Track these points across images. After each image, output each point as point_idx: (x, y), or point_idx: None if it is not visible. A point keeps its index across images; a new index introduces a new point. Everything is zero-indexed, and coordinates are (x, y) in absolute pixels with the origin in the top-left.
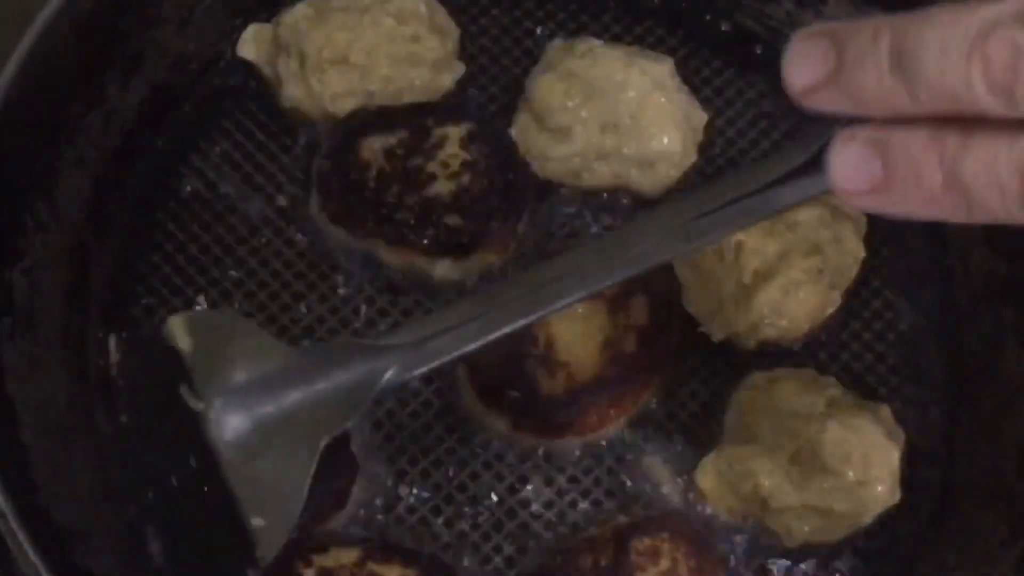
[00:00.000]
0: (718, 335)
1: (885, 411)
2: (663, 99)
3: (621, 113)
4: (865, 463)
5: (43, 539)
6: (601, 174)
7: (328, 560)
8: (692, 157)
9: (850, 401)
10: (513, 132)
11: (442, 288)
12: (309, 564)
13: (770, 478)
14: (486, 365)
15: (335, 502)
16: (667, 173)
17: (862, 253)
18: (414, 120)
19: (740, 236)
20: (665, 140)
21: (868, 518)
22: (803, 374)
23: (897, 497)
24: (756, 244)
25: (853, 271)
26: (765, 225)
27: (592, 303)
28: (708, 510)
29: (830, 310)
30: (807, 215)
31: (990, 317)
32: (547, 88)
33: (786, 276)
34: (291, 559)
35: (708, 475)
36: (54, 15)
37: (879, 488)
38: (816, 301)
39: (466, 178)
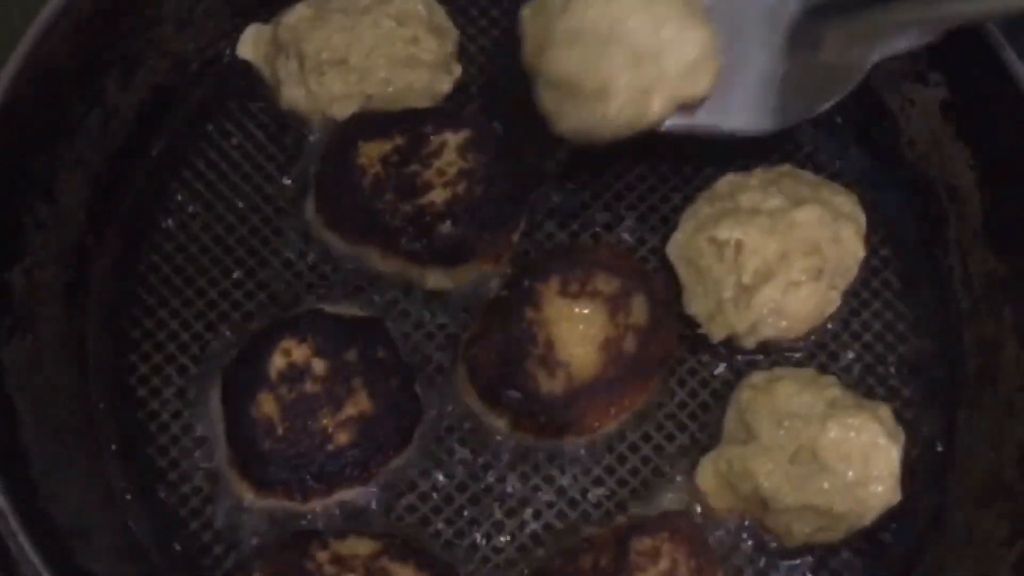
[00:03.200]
0: (717, 336)
1: (885, 411)
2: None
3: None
4: (865, 463)
5: (43, 539)
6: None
7: (344, 548)
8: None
9: (850, 401)
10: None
11: (436, 296)
12: (325, 547)
13: (770, 478)
14: (486, 364)
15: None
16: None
17: (862, 253)
18: (412, 126)
19: (740, 236)
20: (689, 48)
21: (868, 518)
22: (803, 374)
23: (898, 497)
24: (756, 244)
25: (853, 271)
26: (765, 224)
27: (592, 303)
28: (708, 510)
29: (830, 310)
30: (807, 215)
31: (990, 317)
32: (564, 59)
33: (786, 276)
34: (309, 540)
35: (708, 475)
36: (54, 15)
37: (879, 488)
38: (816, 301)
39: (462, 186)
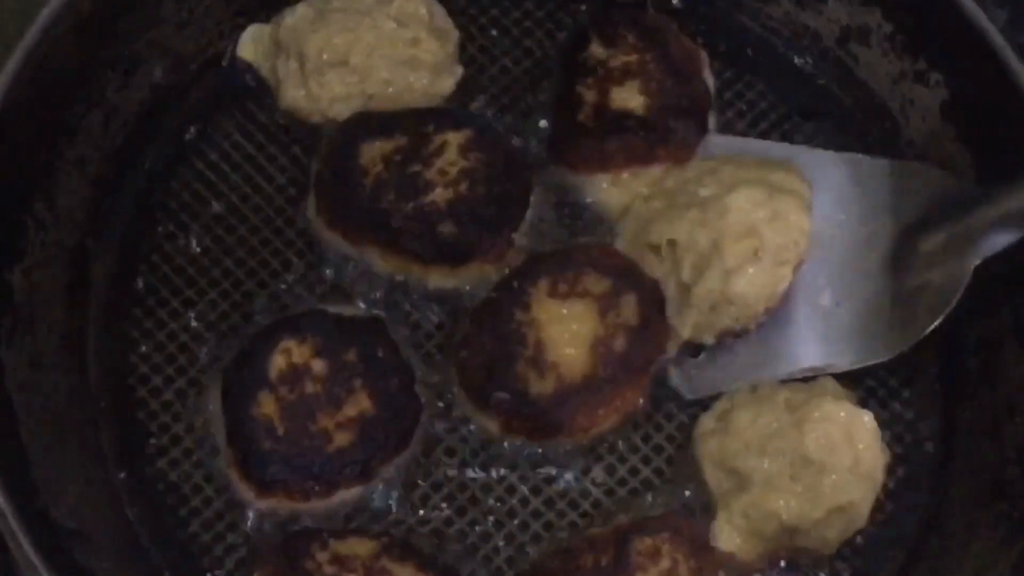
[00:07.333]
0: (672, 344)
1: (829, 383)
2: None
3: None
4: (850, 442)
5: (43, 539)
6: None
7: (344, 548)
8: None
9: (801, 395)
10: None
11: (437, 296)
12: (324, 548)
13: (788, 507)
14: (476, 365)
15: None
16: None
17: (807, 225)
18: (414, 125)
19: (670, 235)
20: None
21: (879, 487)
22: (743, 396)
23: (887, 455)
24: (688, 239)
25: (801, 244)
26: (696, 217)
27: (582, 303)
28: (739, 567)
29: (782, 286)
30: (737, 199)
31: (990, 317)
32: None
33: (719, 266)
34: (309, 540)
35: (729, 535)
36: (54, 15)
37: (870, 455)
38: (763, 281)
39: (463, 186)
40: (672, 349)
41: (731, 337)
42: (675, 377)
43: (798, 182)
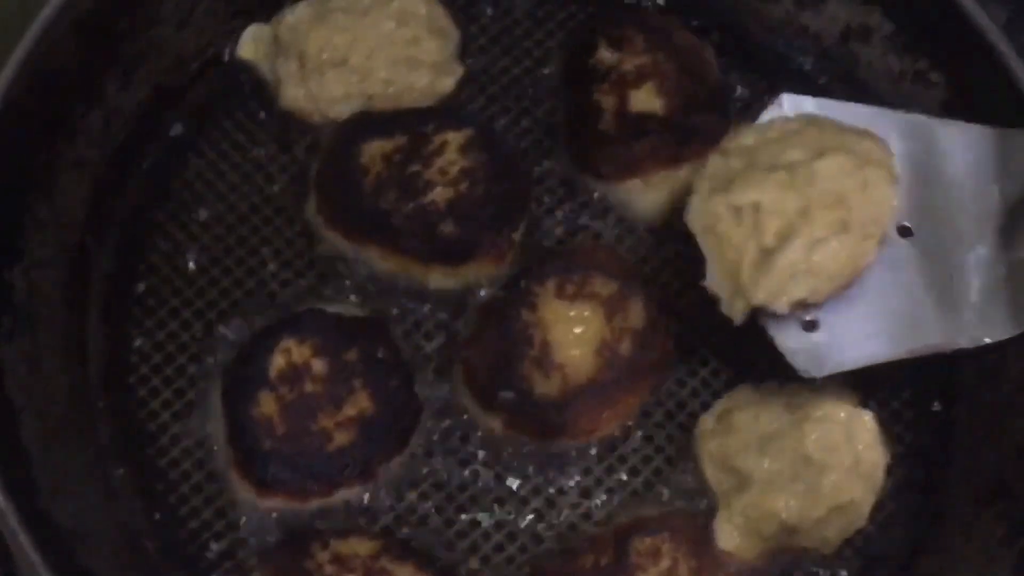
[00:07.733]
0: (741, 306)
1: (830, 383)
2: None
3: None
4: (850, 441)
5: (43, 539)
6: None
7: (344, 547)
8: None
9: (801, 396)
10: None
11: (438, 296)
12: (325, 547)
13: (788, 507)
14: (482, 364)
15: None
16: None
17: (893, 200)
18: (414, 125)
19: (756, 197)
20: None
21: (879, 487)
22: (743, 396)
23: (887, 454)
24: (774, 202)
25: (886, 218)
26: (783, 180)
27: (589, 305)
28: (741, 565)
29: (864, 261)
30: (828, 166)
31: None
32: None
33: (808, 234)
34: (309, 540)
35: (729, 534)
36: (54, 15)
37: (872, 455)
38: (847, 254)
39: (463, 186)
40: (739, 315)
41: (800, 309)
42: (793, 353)
43: (885, 154)
